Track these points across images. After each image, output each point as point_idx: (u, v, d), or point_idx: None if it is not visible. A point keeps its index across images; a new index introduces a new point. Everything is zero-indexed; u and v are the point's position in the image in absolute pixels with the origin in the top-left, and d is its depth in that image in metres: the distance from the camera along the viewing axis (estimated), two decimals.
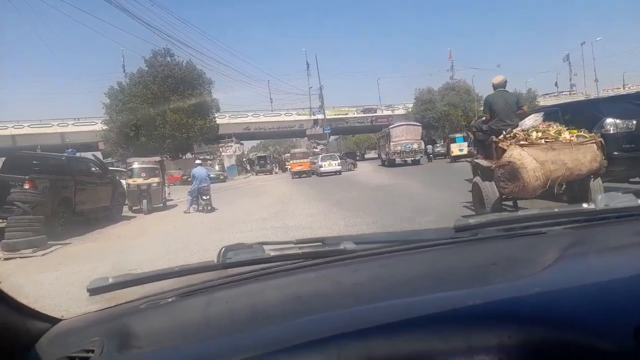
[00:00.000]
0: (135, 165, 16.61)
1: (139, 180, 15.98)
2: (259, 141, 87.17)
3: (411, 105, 63.54)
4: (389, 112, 65.82)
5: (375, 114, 65.34)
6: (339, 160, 33.14)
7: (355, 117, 64.45)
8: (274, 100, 68.64)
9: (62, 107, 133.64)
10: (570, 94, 71.79)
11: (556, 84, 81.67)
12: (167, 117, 40.23)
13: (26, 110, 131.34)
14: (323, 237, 1.28)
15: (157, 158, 18.69)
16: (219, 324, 0.90)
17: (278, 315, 0.89)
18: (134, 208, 16.20)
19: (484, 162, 6.86)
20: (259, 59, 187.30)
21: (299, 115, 63.14)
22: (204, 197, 14.60)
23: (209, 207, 14.60)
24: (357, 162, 41.73)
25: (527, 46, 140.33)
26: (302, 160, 35.15)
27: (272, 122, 62.05)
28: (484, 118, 7.51)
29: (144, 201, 15.68)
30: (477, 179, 6.99)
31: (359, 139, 79.83)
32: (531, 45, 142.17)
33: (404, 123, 41.95)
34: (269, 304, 0.98)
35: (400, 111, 65.54)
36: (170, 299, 1.04)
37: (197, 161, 16.50)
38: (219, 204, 15.68)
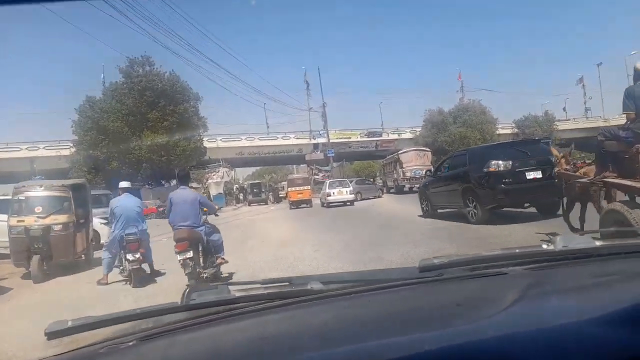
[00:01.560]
0: (26, 193, 9.44)
1: (29, 220, 8.91)
2: (255, 169, 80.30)
3: (419, 129, 57.43)
4: (395, 136, 59.47)
5: (380, 138, 58.90)
6: (351, 188, 26.25)
7: (359, 142, 57.93)
8: (270, 124, 61.98)
9: (33, 128, 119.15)
10: (587, 119, 65.92)
11: (564, 109, 75.49)
12: (143, 137, 33.36)
13: None
14: (290, 276, 1.23)
15: (71, 181, 11.51)
16: None
17: (241, 358, 0.86)
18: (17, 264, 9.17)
19: (625, 182, 5.50)
20: (253, 78, 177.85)
21: (297, 139, 56.53)
22: (132, 257, 7.26)
23: (142, 274, 7.53)
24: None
25: (538, 68, 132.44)
26: (301, 188, 28.55)
27: (268, 146, 55.29)
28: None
29: (35, 258, 8.60)
30: (619, 204, 5.56)
31: (358, 166, 72.73)
32: (543, 66, 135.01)
33: (413, 148, 37.93)
34: (232, 346, 0.95)
35: (407, 135, 59.20)
36: (130, 343, 0.98)
37: (123, 183, 9.15)
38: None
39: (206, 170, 37.74)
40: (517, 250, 1.38)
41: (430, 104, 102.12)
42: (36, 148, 48.08)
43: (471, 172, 10.15)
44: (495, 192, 9.45)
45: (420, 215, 13.09)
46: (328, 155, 42.43)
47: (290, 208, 26.63)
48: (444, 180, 11.73)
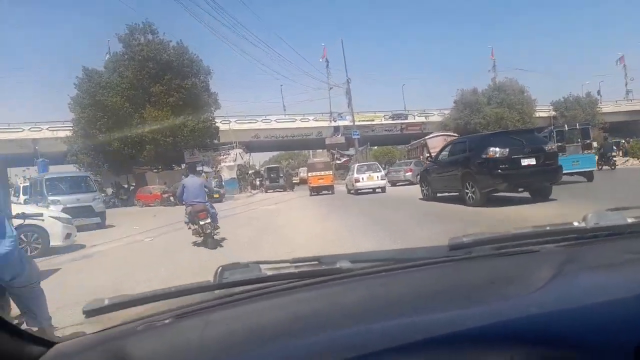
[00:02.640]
0: None
1: None
2: (271, 155, 75.81)
3: (448, 111, 52.26)
4: (422, 119, 54.40)
5: (405, 121, 53.90)
6: (382, 172, 22.14)
7: (382, 124, 53.06)
8: (288, 105, 57.41)
9: (36, 107, 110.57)
10: (630, 101, 59.74)
11: (599, 92, 68.85)
12: (145, 114, 29.12)
13: None
14: (319, 255, 1.22)
15: None
16: (217, 346, 0.86)
17: (277, 336, 0.86)
18: None
19: None
20: (270, 55, 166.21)
21: (316, 121, 51.94)
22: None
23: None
24: None
25: (577, 46, 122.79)
26: (323, 173, 24.78)
27: (286, 129, 50.82)
28: None
29: None
30: None
31: (377, 152, 66.86)
32: (582, 45, 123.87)
33: (441, 133, 35.11)
34: (267, 324, 0.95)
35: (435, 117, 54.05)
36: (166, 320, 0.98)
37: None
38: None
39: (218, 152, 33.32)
40: (548, 228, 1.33)
41: (458, 84, 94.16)
42: (39, 129, 44.41)
43: (471, 158, 10.60)
44: (493, 176, 9.96)
45: (420, 198, 13.59)
46: (353, 137, 37.65)
47: (311, 195, 23.43)
48: (444, 166, 12.15)
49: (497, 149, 9.98)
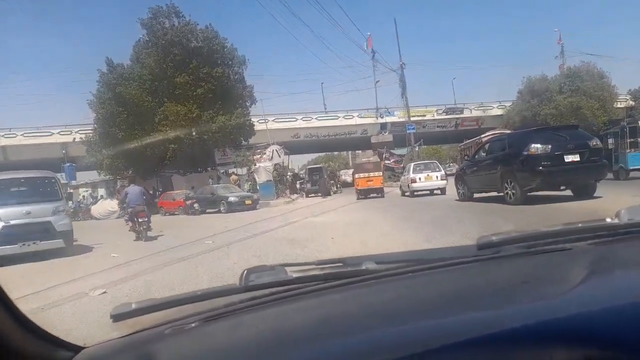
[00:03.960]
0: None
1: None
2: (311, 157, 70.80)
3: (509, 103, 45.68)
4: (480, 113, 47.95)
5: (461, 116, 47.60)
6: (442, 172, 19.65)
7: (435, 120, 47.03)
8: (329, 102, 52.40)
9: (66, 110, 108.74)
10: None
11: None
12: (166, 109, 24.78)
13: (21, 114, 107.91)
14: (343, 257, 1.17)
15: None
16: (247, 349, 0.85)
17: (306, 338, 0.84)
18: None
19: None
20: (309, 47, 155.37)
21: (361, 117, 46.58)
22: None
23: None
24: None
25: None
26: (372, 174, 22.34)
27: (328, 127, 45.74)
28: None
29: None
30: None
31: (424, 151, 58.95)
32: None
33: (499, 132, 27.24)
34: (295, 327, 0.94)
35: (495, 111, 47.52)
36: (194, 324, 0.97)
37: None
38: None
39: (251, 151, 28.51)
40: (580, 225, 1.24)
41: (519, 74, 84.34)
42: (69, 132, 41.39)
43: (511, 156, 10.26)
44: (534, 174, 9.55)
45: (456, 199, 12.99)
46: (408, 131, 32.13)
47: (358, 198, 21.09)
48: (482, 165, 11.68)
49: (539, 145, 9.64)
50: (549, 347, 0.66)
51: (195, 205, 21.47)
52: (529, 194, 9.90)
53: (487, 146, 12.37)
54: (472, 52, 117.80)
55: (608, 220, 1.21)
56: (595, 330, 0.69)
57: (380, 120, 45.99)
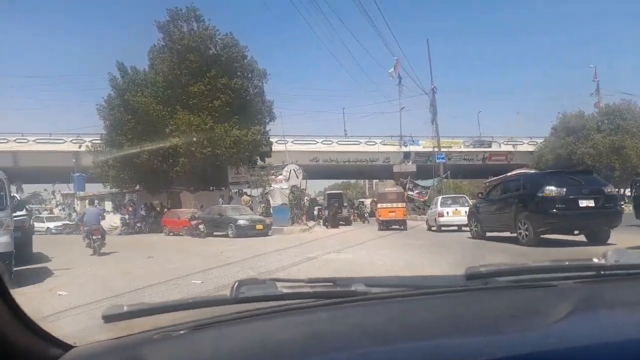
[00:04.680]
0: None
1: None
2: (328, 183, 68.22)
3: (541, 140, 42.83)
4: (509, 148, 45.15)
5: (489, 149, 44.85)
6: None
7: (461, 152, 44.29)
8: (351, 126, 49.92)
9: (81, 117, 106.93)
10: None
11: None
12: (179, 118, 22.63)
13: (34, 119, 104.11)
14: (334, 277, 1.18)
15: None
16: (232, 359, 0.86)
17: (293, 354, 0.85)
18: None
19: None
20: (330, 72, 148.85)
21: (384, 145, 44.10)
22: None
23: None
24: None
25: None
26: (395, 205, 20.83)
27: (348, 152, 43.32)
28: None
29: None
30: None
31: (444, 185, 53.98)
32: None
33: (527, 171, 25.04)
34: (283, 341, 0.94)
35: (525, 147, 44.75)
36: (182, 331, 0.98)
37: None
38: None
39: (266, 170, 25.99)
40: (567, 263, 1.29)
41: (550, 111, 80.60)
42: (82, 141, 39.72)
43: (526, 196, 10.15)
44: (549, 216, 9.45)
45: (468, 237, 12.96)
46: (438, 161, 29.45)
47: (379, 229, 19.72)
48: (496, 203, 11.65)
49: (554, 188, 9.53)
50: None
51: (201, 226, 18.95)
52: (542, 236, 9.77)
53: (501, 185, 12.31)
54: (502, 84, 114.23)
55: (595, 260, 1.21)
56: None
57: (404, 149, 43.45)
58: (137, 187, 28.43)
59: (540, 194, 9.63)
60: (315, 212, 27.10)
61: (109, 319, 0.97)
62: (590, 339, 0.80)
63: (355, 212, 31.95)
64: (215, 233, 18.88)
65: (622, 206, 13.80)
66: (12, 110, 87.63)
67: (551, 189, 9.54)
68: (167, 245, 15.07)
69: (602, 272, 1.21)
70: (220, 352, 0.91)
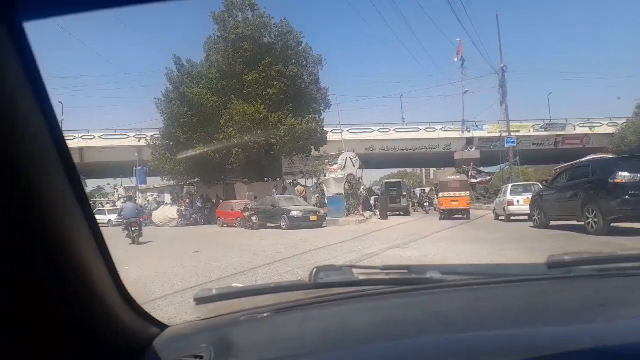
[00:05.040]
0: None
1: None
2: (384, 173, 66.36)
3: (623, 121, 38.60)
4: (585, 130, 41.18)
5: (562, 133, 41.13)
6: None
7: (531, 136, 40.95)
8: (410, 113, 47.65)
9: (144, 112, 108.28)
10: None
11: None
12: (232, 108, 22.14)
13: (102, 116, 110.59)
14: (409, 264, 1.19)
15: None
16: (315, 341, 0.87)
17: (371, 337, 0.85)
18: None
19: None
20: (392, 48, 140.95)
21: (445, 131, 41.76)
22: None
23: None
24: None
25: None
26: (458, 194, 20.20)
27: (407, 140, 41.47)
28: None
29: None
30: None
31: (508, 172, 48.74)
32: None
33: (607, 155, 24.20)
34: (359, 325, 0.94)
35: (604, 129, 40.61)
36: (266, 314, 1.02)
37: None
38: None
39: (320, 160, 24.96)
40: None
41: (631, 88, 70.73)
42: (144, 136, 40.96)
43: (595, 183, 9.82)
44: (621, 203, 9.02)
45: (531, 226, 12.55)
46: (507, 145, 27.09)
47: (441, 218, 19.46)
48: (562, 191, 11.29)
49: (627, 174, 9.11)
50: None
51: (254, 218, 18.35)
52: (612, 224, 9.31)
53: (568, 172, 11.92)
54: (575, 62, 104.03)
55: None
56: None
57: (467, 135, 40.89)
58: (195, 179, 28.58)
59: (612, 180, 9.22)
60: (372, 202, 25.82)
61: (200, 301, 1.01)
62: None
63: (415, 201, 30.35)
64: (268, 224, 18.26)
65: None
66: (79, 109, 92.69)
67: (624, 175, 9.12)
68: (218, 238, 14.53)
69: None
70: (300, 334, 0.93)
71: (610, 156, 21.99)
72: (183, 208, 25.67)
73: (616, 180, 9.21)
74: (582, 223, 10.02)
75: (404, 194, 26.09)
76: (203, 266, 7.74)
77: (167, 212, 26.57)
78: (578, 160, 23.22)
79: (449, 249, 8.78)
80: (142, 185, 39.22)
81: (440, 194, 21.20)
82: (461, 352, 0.69)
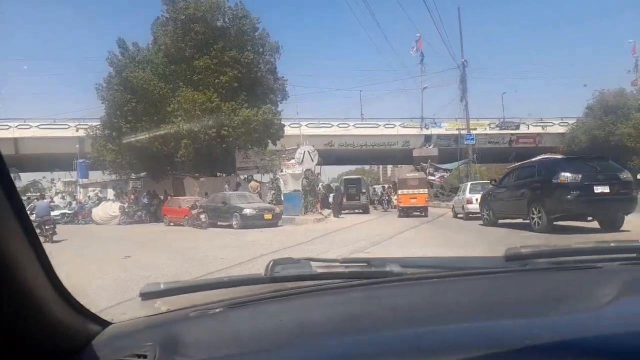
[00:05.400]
0: None
1: None
2: (342, 170, 65.51)
3: (573, 120, 39.58)
4: (538, 129, 41.95)
5: (517, 131, 41.72)
6: None
7: (486, 135, 41.19)
8: (369, 109, 47.10)
9: (84, 100, 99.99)
10: None
11: None
12: (180, 96, 20.30)
13: (36, 104, 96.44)
14: (368, 258, 1.17)
15: None
16: (268, 337, 0.85)
17: (328, 332, 0.84)
18: None
19: None
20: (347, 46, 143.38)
21: (403, 127, 41.30)
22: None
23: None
24: None
25: None
26: (416, 191, 20.29)
27: (365, 136, 40.69)
28: None
29: None
30: None
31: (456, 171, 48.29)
32: None
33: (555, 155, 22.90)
34: (317, 320, 0.94)
35: (556, 128, 41.51)
36: (218, 309, 0.98)
37: None
38: None
39: (277, 154, 23.47)
40: (612, 244, 1.25)
41: (581, 90, 72.87)
42: (86, 125, 37.70)
43: (540, 183, 10.06)
44: (563, 202, 9.36)
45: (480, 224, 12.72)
46: (466, 142, 26.68)
47: (399, 216, 19.47)
48: (510, 190, 11.51)
49: (569, 174, 9.41)
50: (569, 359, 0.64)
51: (202, 216, 16.68)
52: (555, 222, 9.64)
53: (515, 172, 12.13)
54: (529, 62, 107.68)
55: None
56: (625, 351, 0.65)
57: (425, 132, 40.61)
58: (142, 173, 26.40)
59: (555, 180, 9.49)
60: (331, 200, 24.68)
61: (146, 296, 0.97)
62: (632, 324, 0.74)
63: (376, 199, 29.53)
64: (219, 223, 16.66)
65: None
66: (13, 96, 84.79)
67: (566, 175, 9.40)
68: (159, 238, 12.85)
69: None
70: (254, 330, 0.90)
71: (556, 156, 22.29)
72: (126, 204, 23.52)
73: (559, 181, 9.44)
74: (528, 221, 10.22)
75: (364, 190, 25.08)
76: (127, 277, 6.20)
77: (109, 208, 24.27)
78: (526, 161, 23.47)
79: (417, 253, 7.67)
80: (84, 179, 36.25)
81: (400, 191, 20.91)
82: (419, 346, 0.68)
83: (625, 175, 9.85)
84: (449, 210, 20.74)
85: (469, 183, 19.07)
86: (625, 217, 9.57)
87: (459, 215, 17.51)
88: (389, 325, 0.83)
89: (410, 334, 0.75)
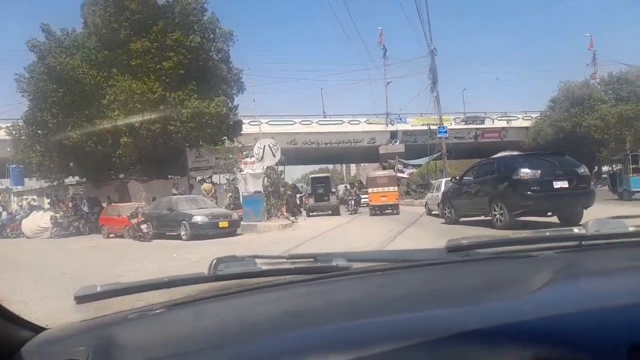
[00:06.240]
0: None
1: None
2: (307, 170, 62.86)
3: (536, 115, 38.77)
4: (503, 124, 40.88)
5: (482, 126, 40.47)
6: None
7: (452, 130, 39.58)
8: (332, 105, 44.80)
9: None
10: None
11: None
12: (116, 85, 17.03)
13: None
14: (315, 253, 1.13)
15: None
16: (209, 337, 0.82)
17: (272, 330, 0.82)
18: None
19: None
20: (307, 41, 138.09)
21: (369, 124, 39.12)
22: None
23: None
24: None
25: None
26: (386, 189, 19.43)
27: (330, 133, 38.21)
28: None
29: None
30: None
31: (425, 168, 45.78)
32: None
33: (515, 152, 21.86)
34: (261, 317, 0.91)
35: (520, 122, 40.58)
36: (158, 310, 0.95)
37: None
38: None
39: (233, 150, 20.45)
40: (548, 233, 1.28)
41: (542, 85, 72.45)
42: (9, 123, 33.06)
43: (500, 179, 10.07)
44: (523, 198, 9.35)
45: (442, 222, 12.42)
46: (440, 135, 24.67)
47: (371, 215, 18.75)
48: (470, 187, 11.29)
49: (529, 170, 9.39)
50: (504, 345, 0.66)
51: (144, 225, 13.58)
52: (517, 219, 9.56)
53: (474, 169, 11.98)
54: (490, 57, 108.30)
55: (576, 230, 1.21)
56: (548, 333, 0.67)
57: (391, 128, 38.62)
58: (82, 178, 22.77)
59: (515, 177, 9.51)
60: (298, 201, 21.96)
61: (81, 299, 0.91)
62: (568, 307, 0.77)
63: (347, 197, 27.08)
64: (167, 233, 13.66)
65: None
66: None
67: (526, 171, 9.40)
68: (79, 258, 9.76)
69: (583, 242, 1.18)
70: (196, 329, 0.87)
71: (514, 153, 20.91)
72: (59, 214, 19.92)
73: (519, 177, 9.39)
74: (490, 218, 10.06)
75: (333, 190, 22.52)
76: None
77: (39, 219, 20.57)
78: (488, 158, 22.10)
79: None
80: (19, 186, 31.79)
81: (370, 190, 20.21)
82: (360, 337, 0.69)
83: (582, 169, 9.80)
84: (423, 207, 19.00)
85: (444, 179, 17.76)
86: (584, 211, 9.47)
87: (433, 212, 16.27)
88: (332, 320, 0.81)
89: (350, 327, 0.75)
